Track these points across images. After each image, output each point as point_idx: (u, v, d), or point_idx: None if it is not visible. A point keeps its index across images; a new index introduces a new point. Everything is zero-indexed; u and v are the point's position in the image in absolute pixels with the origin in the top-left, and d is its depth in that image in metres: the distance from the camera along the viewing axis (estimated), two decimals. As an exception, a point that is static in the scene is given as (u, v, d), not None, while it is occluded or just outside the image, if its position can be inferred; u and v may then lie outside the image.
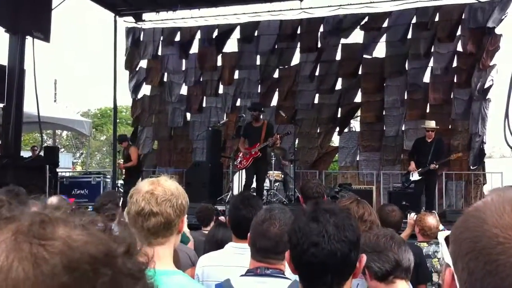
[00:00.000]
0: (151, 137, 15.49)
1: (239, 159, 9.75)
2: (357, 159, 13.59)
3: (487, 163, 12.86)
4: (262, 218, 2.37)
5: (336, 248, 1.57)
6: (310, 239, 1.59)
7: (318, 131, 13.86)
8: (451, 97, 12.71)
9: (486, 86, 12.32)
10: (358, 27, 13.52)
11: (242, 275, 2.35)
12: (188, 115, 15.25)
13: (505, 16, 12.19)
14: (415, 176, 9.62)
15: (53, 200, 4.35)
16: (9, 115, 9.31)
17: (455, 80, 12.73)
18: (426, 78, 13.02)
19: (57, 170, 12.76)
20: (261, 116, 9.85)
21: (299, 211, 1.76)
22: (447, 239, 0.87)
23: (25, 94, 9.84)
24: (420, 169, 9.55)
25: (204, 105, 15.00)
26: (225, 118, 14.17)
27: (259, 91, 14.55)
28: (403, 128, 13.10)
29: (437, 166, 9.54)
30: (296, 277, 2.34)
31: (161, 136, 15.39)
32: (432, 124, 9.82)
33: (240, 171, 10.05)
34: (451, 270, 0.80)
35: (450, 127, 12.70)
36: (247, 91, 14.51)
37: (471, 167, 12.39)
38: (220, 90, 14.87)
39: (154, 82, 15.43)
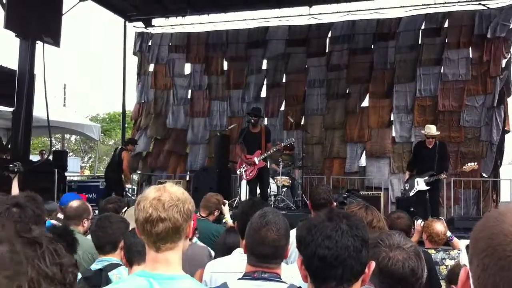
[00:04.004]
0: (148, 137, 15.48)
1: (242, 168, 9.69)
2: (364, 165, 13.54)
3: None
4: (258, 225, 2.37)
5: (349, 241, 1.63)
6: (325, 233, 1.65)
7: (327, 136, 13.82)
8: (461, 104, 12.63)
9: (500, 93, 12.22)
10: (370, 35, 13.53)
11: (239, 279, 2.37)
12: (190, 118, 15.15)
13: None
14: (421, 185, 9.06)
15: (74, 203, 4.40)
16: (18, 119, 9.37)
17: (465, 87, 12.65)
18: (436, 85, 12.96)
19: (66, 174, 12.83)
20: (259, 122, 9.83)
21: (314, 216, 1.79)
22: (468, 247, 0.90)
23: (34, 98, 9.90)
24: (426, 178, 8.97)
25: (208, 109, 14.99)
26: (225, 122, 14.22)
27: (265, 95, 14.55)
28: (411, 135, 13.01)
29: (447, 177, 9.11)
30: (292, 281, 2.35)
31: (158, 138, 15.39)
32: (433, 130, 9.08)
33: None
34: (467, 269, 0.83)
35: (459, 134, 12.60)
36: (253, 96, 14.52)
37: (484, 175, 12.27)
38: (226, 94, 14.89)
39: (159, 86, 15.46)
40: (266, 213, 2.43)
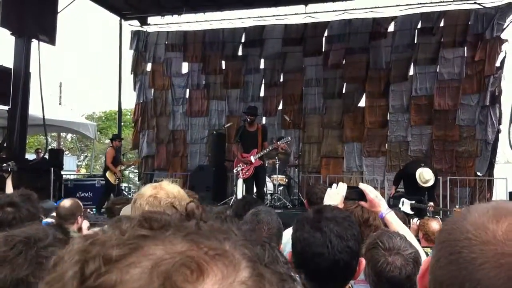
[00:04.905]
0: (151, 140, 15.50)
1: (239, 166, 9.67)
2: (361, 164, 13.57)
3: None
4: (249, 223, 2.37)
5: (339, 258, 1.60)
6: (314, 249, 1.61)
7: (324, 135, 13.84)
8: (457, 102, 12.67)
9: (494, 92, 12.27)
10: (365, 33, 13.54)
11: None
12: (188, 118, 15.17)
13: (511, 22, 12.19)
14: (406, 207, 8.42)
15: (66, 202, 4.34)
16: (14, 118, 9.33)
17: (461, 86, 12.69)
18: (432, 84, 12.99)
19: (62, 172, 12.80)
20: (256, 121, 9.82)
21: (302, 218, 1.75)
22: None
23: (30, 97, 9.86)
24: (413, 202, 8.50)
25: (206, 108, 14.98)
26: (224, 122, 14.20)
27: (263, 95, 14.55)
28: (408, 134, 13.05)
29: (434, 209, 8.87)
30: None
31: (161, 139, 15.37)
32: (430, 181, 8.68)
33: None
34: (429, 258, 0.86)
35: (455, 133, 12.64)
36: (251, 95, 14.51)
37: (479, 174, 12.33)
38: (224, 94, 14.88)
39: (157, 86, 15.43)
40: (259, 212, 2.43)
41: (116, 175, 11.67)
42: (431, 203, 8.88)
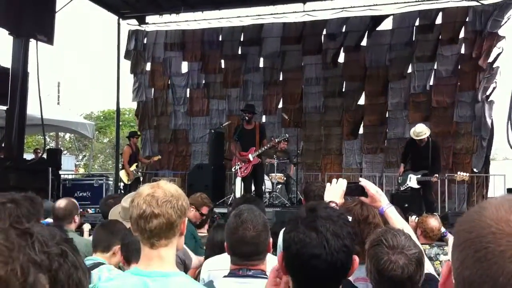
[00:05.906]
0: (152, 140, 15.48)
1: (237, 165, 9.68)
2: (360, 161, 13.59)
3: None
4: (234, 225, 2.38)
5: (336, 258, 1.54)
6: (311, 251, 1.54)
7: (324, 133, 13.86)
8: (454, 99, 12.70)
9: (490, 88, 12.33)
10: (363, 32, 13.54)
11: (224, 276, 2.38)
12: (190, 117, 15.17)
13: (508, 19, 12.21)
14: (413, 183, 9.05)
15: (61, 202, 4.34)
16: (12, 118, 9.31)
17: (458, 83, 12.72)
18: (430, 81, 13.01)
19: (60, 172, 12.78)
20: (253, 119, 9.82)
21: (295, 217, 1.66)
22: None
23: (28, 97, 9.85)
24: (419, 177, 8.97)
25: (207, 107, 14.97)
26: (225, 121, 14.17)
27: (263, 93, 14.54)
28: (406, 131, 13.06)
29: (437, 180, 9.13)
30: None
31: (162, 139, 15.37)
32: (423, 133, 8.77)
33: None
34: (449, 263, 0.85)
35: (453, 130, 12.67)
36: (251, 94, 14.51)
37: (475, 170, 12.37)
38: (224, 93, 14.86)
39: (157, 85, 15.41)
40: (241, 212, 2.43)
41: (129, 175, 11.61)
42: (436, 175, 8.98)
